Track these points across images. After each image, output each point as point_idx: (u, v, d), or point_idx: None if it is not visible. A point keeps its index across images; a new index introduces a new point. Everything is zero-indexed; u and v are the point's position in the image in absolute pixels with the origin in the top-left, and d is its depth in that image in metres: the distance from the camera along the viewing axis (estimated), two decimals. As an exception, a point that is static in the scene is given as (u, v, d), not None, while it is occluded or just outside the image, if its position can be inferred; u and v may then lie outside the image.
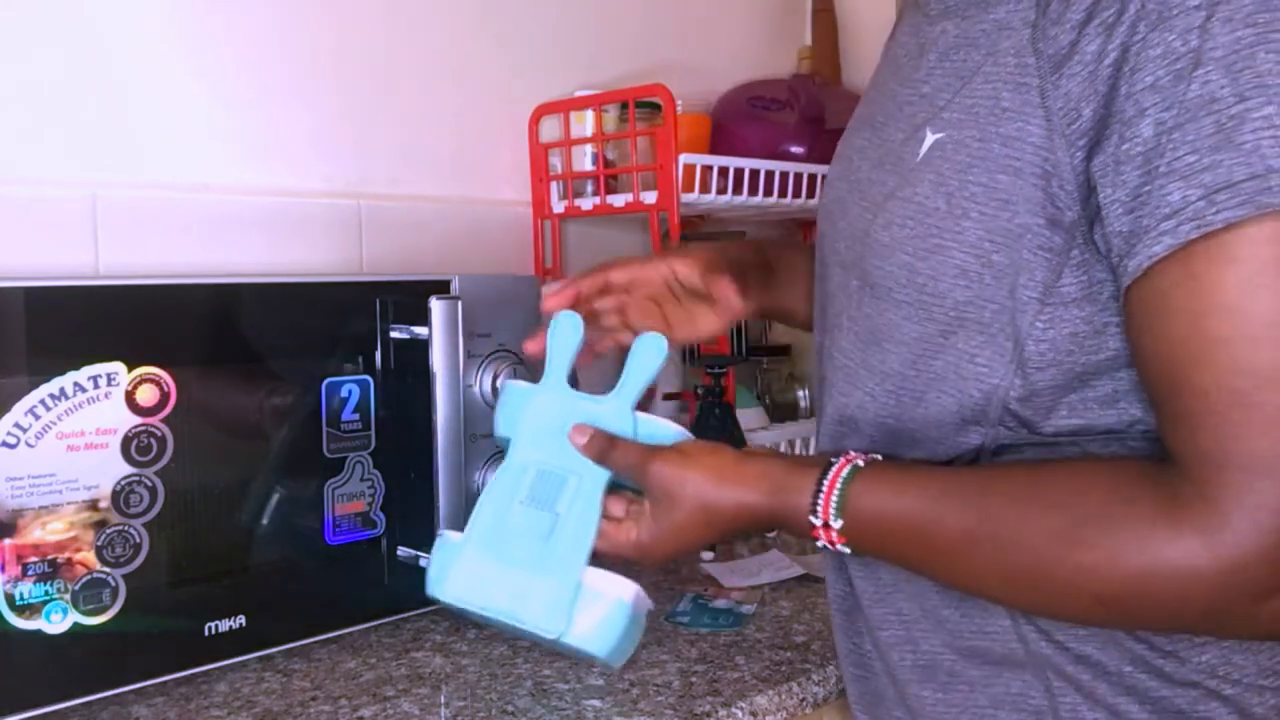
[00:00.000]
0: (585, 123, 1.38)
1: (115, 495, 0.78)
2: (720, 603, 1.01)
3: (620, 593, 0.75)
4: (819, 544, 0.70)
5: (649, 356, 0.79)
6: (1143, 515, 0.59)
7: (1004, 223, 0.64)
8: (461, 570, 0.77)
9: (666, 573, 1.12)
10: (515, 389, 0.82)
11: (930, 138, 0.68)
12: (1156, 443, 0.62)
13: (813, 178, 1.44)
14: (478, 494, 0.92)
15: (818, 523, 0.69)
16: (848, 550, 0.69)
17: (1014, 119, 0.63)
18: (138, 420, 0.79)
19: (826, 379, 0.79)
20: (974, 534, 0.64)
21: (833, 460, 0.70)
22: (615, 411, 0.78)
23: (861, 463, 0.69)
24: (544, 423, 0.79)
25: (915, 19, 0.76)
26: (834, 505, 0.68)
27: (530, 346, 0.84)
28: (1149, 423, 0.64)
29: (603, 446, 0.77)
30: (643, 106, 1.34)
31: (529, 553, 0.76)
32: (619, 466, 0.77)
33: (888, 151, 0.73)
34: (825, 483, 0.69)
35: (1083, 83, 0.60)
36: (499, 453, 0.94)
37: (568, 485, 0.78)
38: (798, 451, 1.37)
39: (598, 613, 0.75)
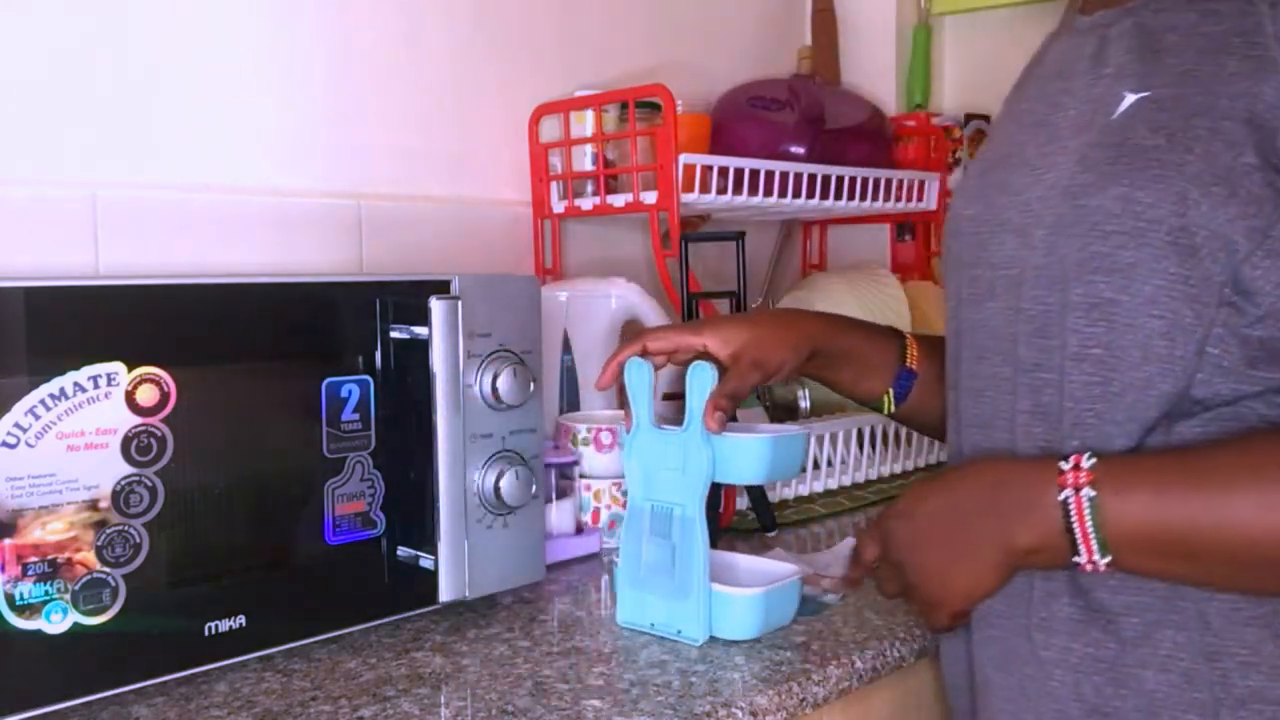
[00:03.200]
0: (585, 123, 1.38)
1: (115, 495, 0.78)
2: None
3: (746, 592, 0.90)
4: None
5: (702, 382, 0.90)
6: None
7: (1228, 160, 0.70)
8: (625, 600, 0.94)
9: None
10: (622, 434, 0.97)
11: (1131, 97, 0.75)
12: None
13: (813, 178, 1.44)
14: (478, 493, 0.93)
15: (1067, 466, 0.72)
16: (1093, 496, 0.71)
17: (1242, 80, 0.71)
18: (138, 420, 0.79)
19: (1005, 337, 0.80)
20: (1249, 456, 0.69)
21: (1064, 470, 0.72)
22: (694, 438, 0.90)
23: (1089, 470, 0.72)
24: (644, 463, 0.93)
25: (1073, 37, 0.83)
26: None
27: (597, 385, 0.97)
28: None
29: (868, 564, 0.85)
30: (643, 106, 1.34)
31: (663, 580, 0.92)
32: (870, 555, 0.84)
33: (1060, 131, 0.79)
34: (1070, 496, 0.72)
35: None
36: (499, 453, 0.95)
37: (674, 516, 0.92)
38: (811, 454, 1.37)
39: (735, 613, 0.90)
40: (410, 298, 0.92)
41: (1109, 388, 0.74)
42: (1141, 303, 0.72)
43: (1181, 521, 0.69)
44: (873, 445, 1.46)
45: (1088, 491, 0.70)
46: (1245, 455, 0.69)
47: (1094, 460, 0.71)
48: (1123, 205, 0.73)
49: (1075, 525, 0.70)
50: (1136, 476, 0.71)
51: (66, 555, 0.76)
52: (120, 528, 0.79)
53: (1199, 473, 0.70)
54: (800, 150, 1.47)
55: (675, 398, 1.36)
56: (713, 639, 0.91)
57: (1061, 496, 0.71)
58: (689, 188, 1.29)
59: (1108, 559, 0.70)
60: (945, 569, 0.78)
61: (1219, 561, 0.69)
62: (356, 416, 0.91)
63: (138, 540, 0.80)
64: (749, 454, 0.90)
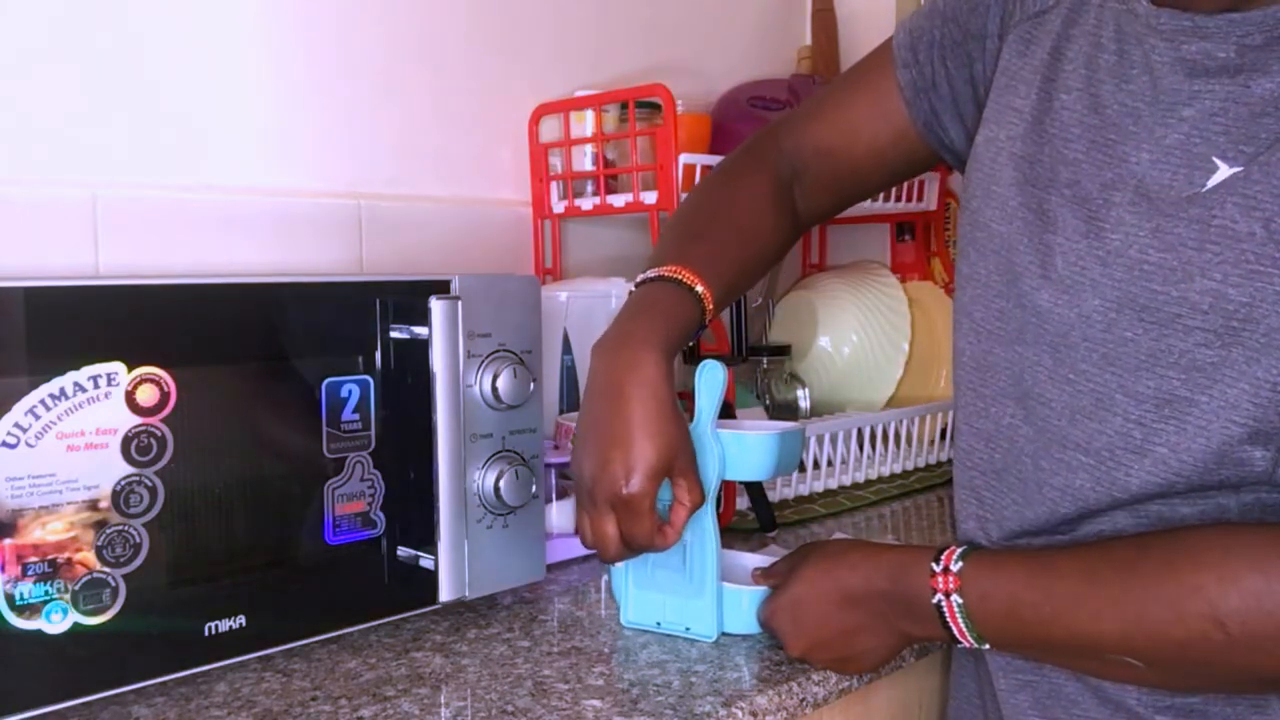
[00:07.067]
0: (585, 123, 1.38)
1: (115, 495, 0.78)
2: None
3: (755, 589, 0.90)
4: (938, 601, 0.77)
5: (713, 381, 0.90)
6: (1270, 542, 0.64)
7: None
8: (631, 601, 0.94)
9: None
10: None
11: (1226, 169, 0.67)
12: None
13: (813, 178, 1.43)
14: (478, 493, 0.93)
15: (938, 569, 0.77)
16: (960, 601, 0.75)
17: None
18: (138, 420, 0.79)
19: (1034, 396, 0.76)
20: (1093, 569, 0.70)
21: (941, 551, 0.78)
22: (703, 436, 0.89)
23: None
24: None
25: (1136, 27, 0.73)
26: (956, 555, 0.77)
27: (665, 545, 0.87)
28: None
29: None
30: (643, 106, 1.34)
31: (673, 579, 0.92)
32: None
33: (1130, 172, 0.71)
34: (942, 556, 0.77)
35: None
36: (499, 453, 0.95)
37: None
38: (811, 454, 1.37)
39: (744, 608, 0.90)
40: (410, 298, 0.92)
41: (1174, 487, 0.69)
42: (1222, 406, 0.66)
43: (1038, 626, 0.72)
44: (873, 445, 1.46)
45: (956, 598, 0.75)
46: (1086, 560, 0.71)
47: (961, 564, 0.76)
48: (1211, 302, 0.65)
49: (950, 624, 0.76)
50: (997, 586, 0.74)
51: (66, 555, 0.76)
52: (120, 528, 0.79)
53: (1052, 579, 0.72)
54: (800, 150, 1.47)
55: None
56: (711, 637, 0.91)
57: (934, 600, 0.76)
58: (689, 188, 1.29)
59: (986, 646, 0.76)
60: (846, 657, 0.84)
61: (1081, 659, 0.73)
62: (356, 416, 0.91)
63: (138, 540, 0.80)
64: (758, 450, 0.90)
